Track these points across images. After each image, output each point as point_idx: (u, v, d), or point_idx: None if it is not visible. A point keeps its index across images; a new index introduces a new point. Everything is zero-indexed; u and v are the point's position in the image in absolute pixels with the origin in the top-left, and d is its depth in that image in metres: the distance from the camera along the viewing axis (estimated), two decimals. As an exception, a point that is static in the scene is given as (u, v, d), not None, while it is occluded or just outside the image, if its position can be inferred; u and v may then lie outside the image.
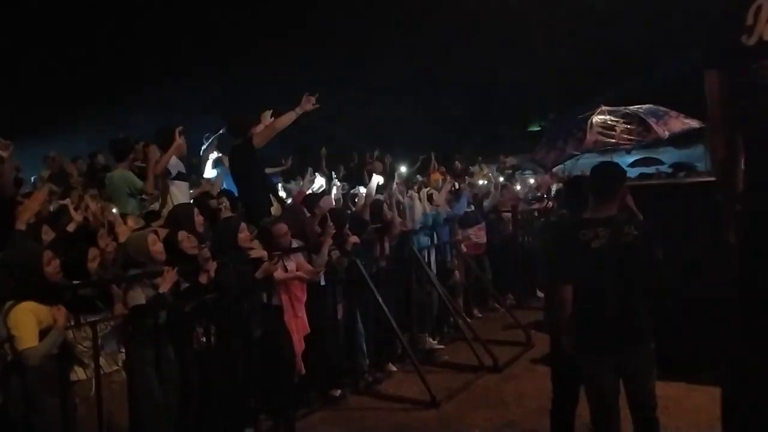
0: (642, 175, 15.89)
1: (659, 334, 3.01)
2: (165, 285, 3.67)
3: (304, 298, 4.80)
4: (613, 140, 3.88)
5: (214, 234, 4.52)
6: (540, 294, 8.54)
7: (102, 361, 3.39)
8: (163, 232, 3.97)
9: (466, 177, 9.16)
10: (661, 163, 21.34)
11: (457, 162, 11.47)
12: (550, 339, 3.68)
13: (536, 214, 8.70)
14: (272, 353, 4.48)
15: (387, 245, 5.83)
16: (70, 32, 14.19)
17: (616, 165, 3.13)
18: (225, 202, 5.24)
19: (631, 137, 3.90)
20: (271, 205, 5.53)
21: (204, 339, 3.99)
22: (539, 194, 9.18)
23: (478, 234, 7.79)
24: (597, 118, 4.10)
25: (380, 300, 5.37)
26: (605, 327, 2.96)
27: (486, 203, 8.11)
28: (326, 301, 5.18)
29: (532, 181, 10.46)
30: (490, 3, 16.47)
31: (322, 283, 5.13)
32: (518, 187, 9.00)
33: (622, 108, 4.28)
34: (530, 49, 17.99)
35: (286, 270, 4.68)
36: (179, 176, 5.31)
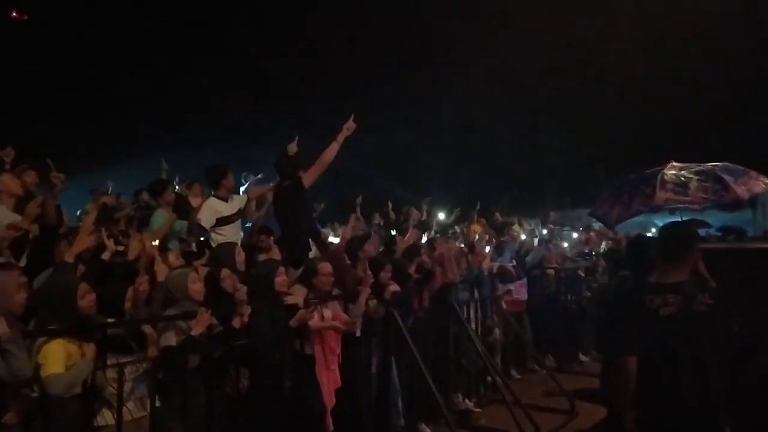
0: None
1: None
2: (198, 327, 3.53)
3: (338, 350, 4.58)
4: (687, 198, 3.60)
5: (250, 276, 4.39)
6: (583, 358, 8.13)
7: (131, 405, 3.23)
8: (203, 271, 3.87)
9: (510, 230, 8.90)
10: (709, 225, 20.58)
11: (497, 214, 11.24)
12: (608, 413, 3.37)
13: (581, 273, 8.35)
14: (301, 406, 4.25)
15: (426, 297, 5.59)
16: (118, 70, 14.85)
17: (689, 225, 2.89)
18: (266, 240, 5.16)
19: (706, 196, 3.61)
20: (311, 249, 5.41)
21: (245, 382, 3.82)
22: (586, 251, 8.84)
23: (519, 290, 7.50)
24: (668, 174, 3.83)
25: (417, 355, 5.11)
26: (675, 407, 2.65)
27: (529, 258, 7.83)
28: (360, 353, 4.95)
29: (575, 235, 10.12)
30: (542, 58, 16.57)
31: (358, 334, 4.91)
32: (565, 244, 8.69)
33: (694, 165, 4.02)
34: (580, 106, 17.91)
35: (322, 318, 4.50)
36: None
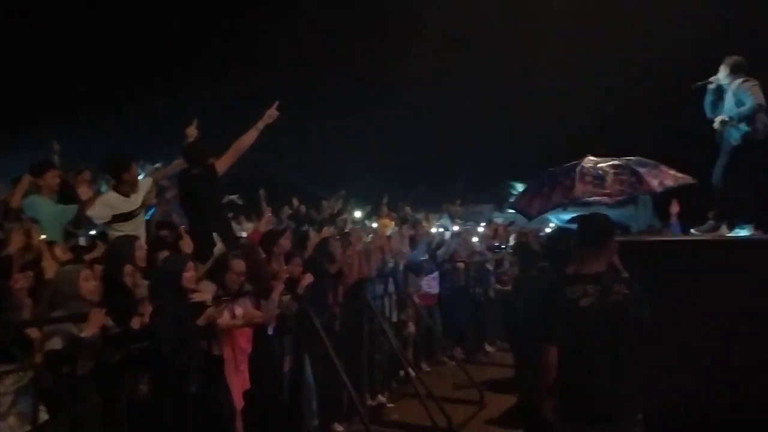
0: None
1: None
2: (90, 328, 3.14)
3: (250, 349, 4.33)
4: (605, 190, 3.72)
5: (154, 272, 4.02)
6: (489, 348, 8.37)
7: (12, 420, 2.82)
8: (98, 268, 3.47)
9: (421, 225, 8.97)
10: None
11: (407, 209, 11.32)
12: (518, 401, 3.43)
13: (489, 266, 8.58)
14: (209, 411, 3.96)
15: (341, 292, 5.46)
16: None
17: (606, 217, 2.97)
18: (168, 235, 4.76)
19: (623, 188, 3.75)
20: (216, 243, 5.09)
21: (143, 388, 3.47)
22: (496, 245, 9.10)
23: (431, 284, 7.56)
24: (586, 167, 3.94)
25: (332, 351, 4.97)
26: (593, 394, 2.71)
27: (440, 252, 7.92)
28: (272, 351, 4.72)
29: (480, 229, 10.42)
30: (453, 58, 16.90)
31: (270, 332, 4.68)
32: (475, 238, 8.89)
33: (609, 158, 4.16)
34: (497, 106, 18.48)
35: (233, 316, 4.22)
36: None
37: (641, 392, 2.75)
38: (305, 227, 6.83)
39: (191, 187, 4.79)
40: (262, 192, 7.82)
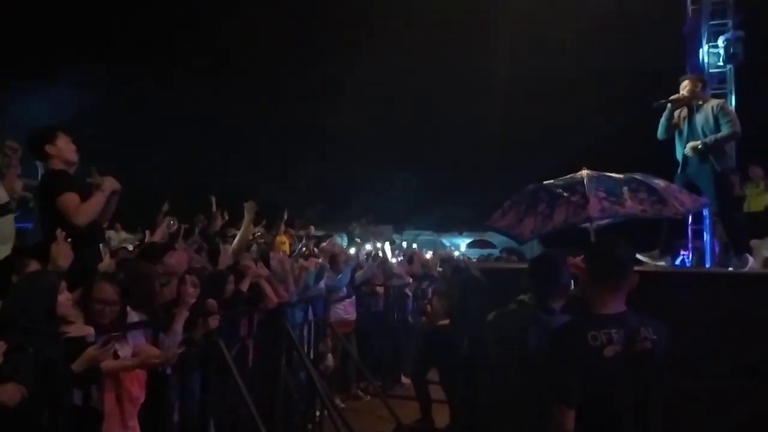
0: (485, 259, 16.24)
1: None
2: None
3: (142, 398, 3.33)
4: (623, 209, 3.17)
5: (13, 291, 2.91)
6: (406, 380, 7.73)
7: None
8: None
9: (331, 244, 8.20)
10: (494, 246, 22.57)
11: (312, 227, 10.54)
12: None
13: (408, 291, 8.00)
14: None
15: (256, 319, 4.56)
16: None
17: (625, 243, 2.43)
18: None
19: (644, 207, 3.20)
20: (101, 258, 4.01)
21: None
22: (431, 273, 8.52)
23: (348, 309, 6.82)
24: (592, 180, 3.34)
25: (244, 391, 4.06)
26: None
27: (359, 275, 7.21)
28: (170, 397, 3.73)
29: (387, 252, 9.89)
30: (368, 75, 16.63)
31: (169, 371, 3.69)
32: (394, 260, 8.29)
33: (608, 173, 3.62)
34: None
35: (115, 356, 3.20)
36: None
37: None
38: (216, 241, 5.79)
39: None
40: (165, 207, 6.58)
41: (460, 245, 24.52)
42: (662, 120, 4.82)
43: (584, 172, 3.40)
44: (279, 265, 5.02)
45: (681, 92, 4.80)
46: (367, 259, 7.84)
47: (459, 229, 26.34)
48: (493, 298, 4.48)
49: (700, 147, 4.48)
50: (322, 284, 5.85)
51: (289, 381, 4.98)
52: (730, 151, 4.47)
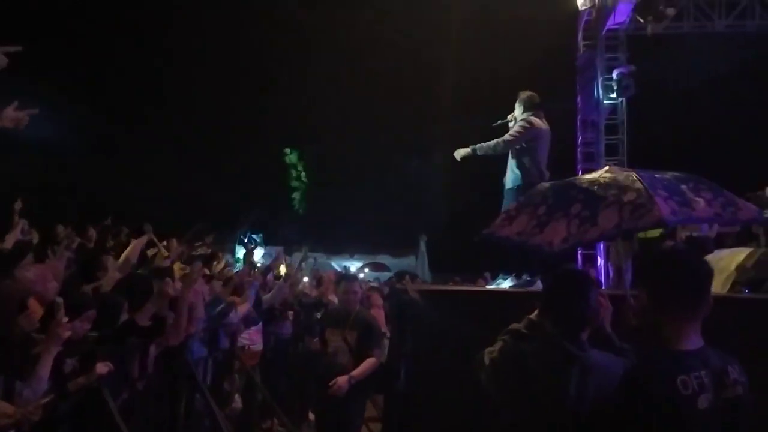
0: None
1: None
2: None
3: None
4: (693, 211, 2.60)
5: None
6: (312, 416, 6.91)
7: None
8: None
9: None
10: (388, 269, 22.24)
11: (205, 246, 9.41)
12: None
13: (318, 315, 7.21)
14: None
15: (153, 355, 3.60)
16: None
17: (701, 257, 1.95)
18: None
19: (717, 211, 2.63)
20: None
21: None
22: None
23: (254, 338, 5.92)
24: (645, 178, 2.72)
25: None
26: None
27: (267, 298, 6.33)
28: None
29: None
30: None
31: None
32: (305, 279, 7.48)
33: (653, 172, 3.00)
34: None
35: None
36: None
37: None
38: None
39: None
40: (17, 204, 5.29)
41: (350, 268, 24.08)
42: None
43: (630, 172, 2.73)
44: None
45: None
46: (273, 279, 6.96)
47: (350, 251, 25.93)
48: (439, 325, 4.00)
49: (469, 153, 4.51)
50: (231, 311, 4.93)
51: (188, 428, 4.03)
52: (530, 165, 4.43)
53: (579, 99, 12.81)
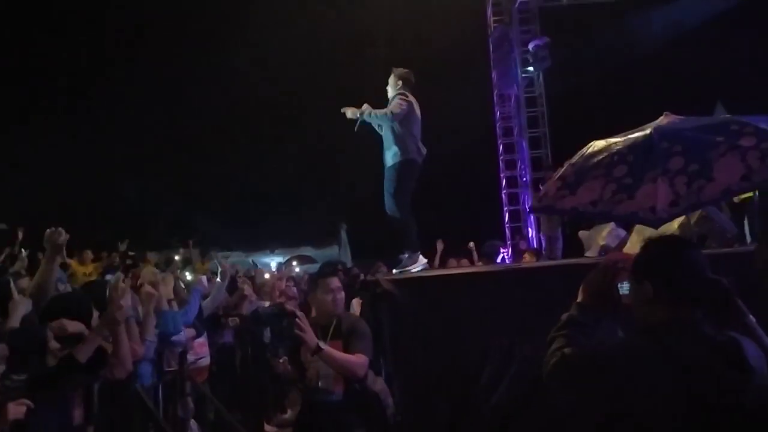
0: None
1: None
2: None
3: None
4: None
5: None
6: (269, 429, 6.40)
7: None
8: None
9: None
10: (314, 261, 21.55)
11: (149, 255, 8.67)
12: None
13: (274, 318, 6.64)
14: None
15: (94, 391, 2.99)
16: None
17: None
18: None
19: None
20: None
21: None
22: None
23: (199, 351, 5.32)
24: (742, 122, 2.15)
25: None
26: None
27: (206, 303, 5.69)
28: None
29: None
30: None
31: None
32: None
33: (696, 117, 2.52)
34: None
35: None
36: None
37: None
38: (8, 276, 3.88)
39: None
40: None
41: (271, 264, 23.24)
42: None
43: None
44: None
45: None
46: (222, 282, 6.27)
47: (270, 247, 25.07)
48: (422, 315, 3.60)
49: (356, 117, 4.36)
50: (177, 325, 4.32)
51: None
52: (408, 140, 4.33)
53: (494, 74, 12.89)
